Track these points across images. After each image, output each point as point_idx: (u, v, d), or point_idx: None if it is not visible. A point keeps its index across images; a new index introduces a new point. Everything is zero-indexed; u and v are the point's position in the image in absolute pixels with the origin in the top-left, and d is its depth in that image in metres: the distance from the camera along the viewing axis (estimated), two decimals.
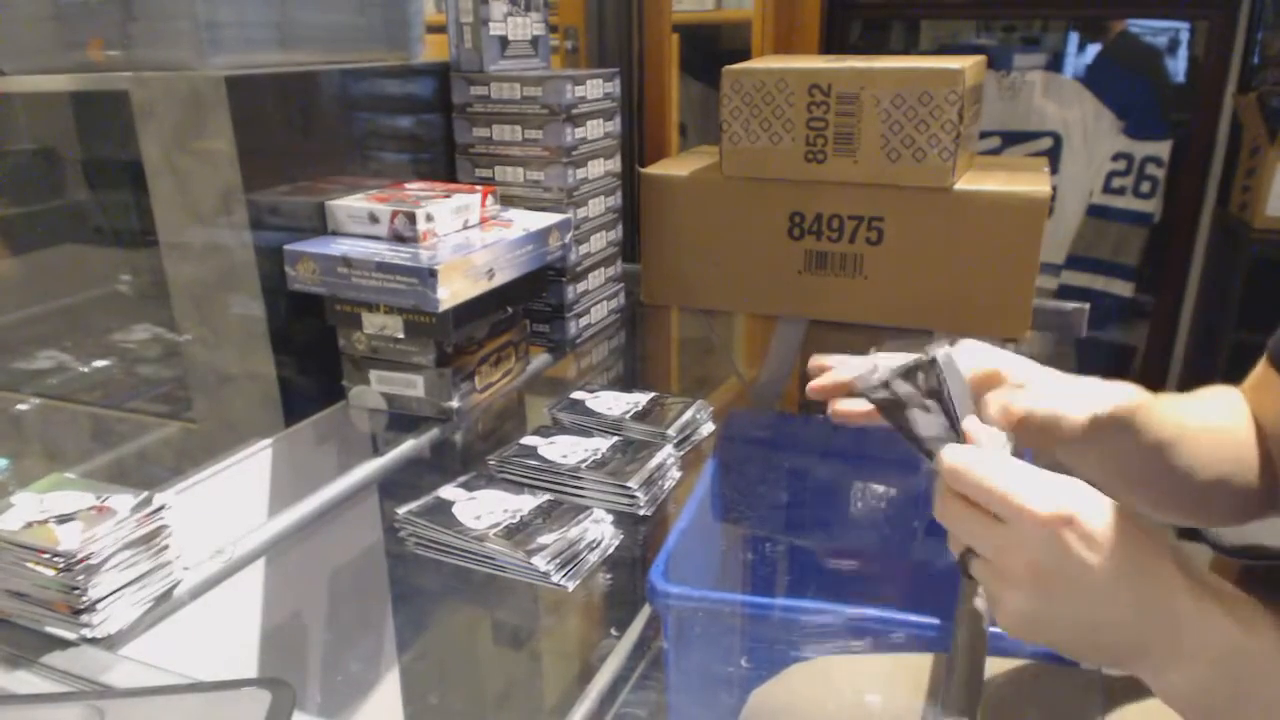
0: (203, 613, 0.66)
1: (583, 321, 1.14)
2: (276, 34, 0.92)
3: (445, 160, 1.11)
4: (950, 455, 0.50)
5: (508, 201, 1.08)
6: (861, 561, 1.16)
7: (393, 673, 1.09)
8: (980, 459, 0.49)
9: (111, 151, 0.98)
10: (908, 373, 0.56)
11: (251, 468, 0.86)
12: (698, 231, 1.20)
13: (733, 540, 1.15)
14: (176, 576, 0.64)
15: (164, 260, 0.91)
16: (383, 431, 0.94)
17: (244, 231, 0.86)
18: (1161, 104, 2.21)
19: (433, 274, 0.82)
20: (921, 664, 0.73)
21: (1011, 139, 2.26)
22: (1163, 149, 2.14)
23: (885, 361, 0.58)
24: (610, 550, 0.78)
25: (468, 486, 0.85)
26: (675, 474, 0.89)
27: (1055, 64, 2.25)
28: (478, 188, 1.00)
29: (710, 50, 2.48)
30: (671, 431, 0.94)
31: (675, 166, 1.23)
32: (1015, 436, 0.57)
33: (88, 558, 0.57)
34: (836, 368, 0.64)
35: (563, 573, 0.73)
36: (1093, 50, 2.25)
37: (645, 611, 0.99)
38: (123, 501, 0.61)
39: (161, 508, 0.62)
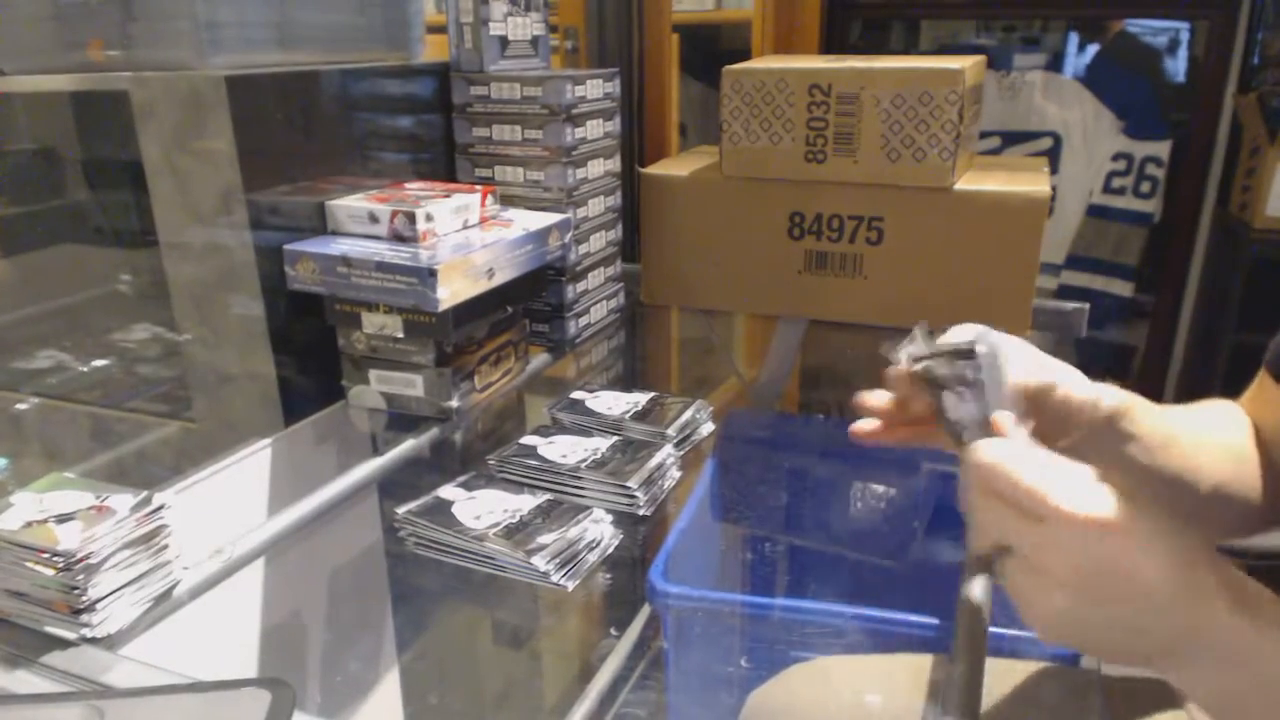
0: (202, 612, 0.66)
1: (582, 321, 1.14)
2: (276, 34, 0.92)
3: (445, 160, 1.11)
4: (986, 450, 0.49)
5: (508, 201, 1.08)
6: (861, 561, 1.16)
7: (393, 673, 1.09)
8: (1018, 455, 0.48)
9: (111, 151, 0.98)
10: (951, 356, 0.56)
11: (251, 467, 0.86)
12: (698, 231, 1.20)
13: (732, 540, 1.15)
14: (176, 576, 0.64)
15: (164, 260, 0.91)
16: (382, 431, 0.94)
17: (244, 231, 0.86)
18: (1161, 104, 2.21)
19: (432, 274, 0.82)
20: (921, 664, 0.73)
21: (1011, 139, 2.26)
22: (1163, 149, 2.13)
23: (938, 340, 0.59)
24: (610, 550, 0.78)
25: (467, 486, 0.85)
26: (675, 474, 0.89)
27: (1055, 64, 2.25)
28: (478, 188, 1.00)
29: (710, 50, 2.48)
30: (671, 431, 0.94)
31: (675, 166, 1.23)
32: None
33: (87, 557, 0.57)
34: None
35: (562, 572, 0.73)
36: (1092, 50, 2.25)
37: (645, 611, 0.99)
38: (122, 501, 0.61)
39: (161, 507, 0.62)
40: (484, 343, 0.96)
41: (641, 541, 0.84)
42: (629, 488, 0.83)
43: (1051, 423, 0.59)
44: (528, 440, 0.92)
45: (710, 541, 1.10)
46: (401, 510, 0.81)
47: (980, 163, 1.21)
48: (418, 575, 0.97)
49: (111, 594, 0.59)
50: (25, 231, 1.09)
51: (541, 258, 0.99)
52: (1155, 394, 0.62)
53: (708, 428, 1.00)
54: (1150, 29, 2.24)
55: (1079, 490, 0.45)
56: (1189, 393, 0.71)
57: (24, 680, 0.55)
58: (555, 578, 0.73)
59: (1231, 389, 0.71)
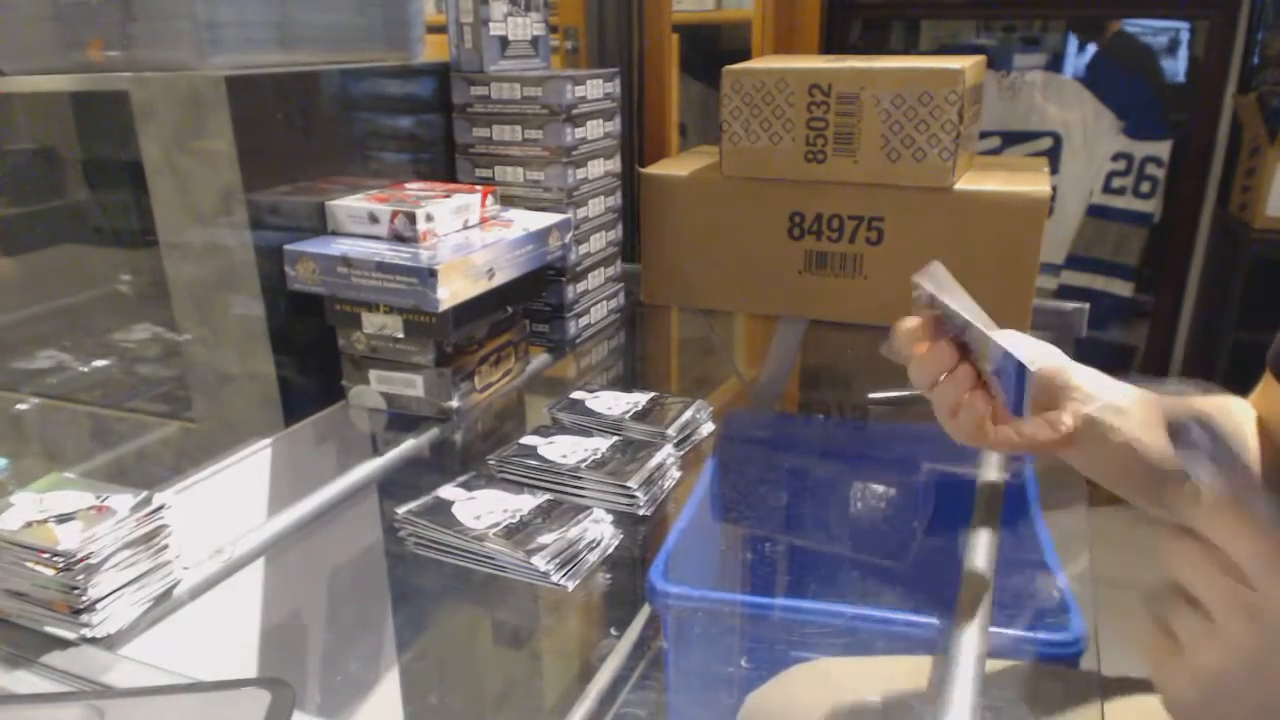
0: (202, 612, 0.66)
1: (582, 321, 1.14)
2: (276, 34, 0.92)
3: (445, 160, 1.11)
4: (1217, 504, 0.46)
5: (508, 201, 1.08)
6: (861, 561, 1.16)
7: (392, 673, 1.09)
8: (1251, 517, 0.45)
9: (111, 151, 0.98)
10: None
11: (251, 467, 0.86)
12: (698, 231, 1.20)
13: (732, 540, 1.15)
14: (176, 576, 0.64)
15: (164, 260, 0.91)
16: (382, 431, 0.94)
17: (244, 231, 0.86)
18: (1161, 104, 2.21)
19: (433, 274, 0.82)
20: (921, 664, 0.73)
21: (1011, 139, 2.26)
22: (1163, 149, 2.14)
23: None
24: (610, 550, 0.78)
25: (467, 486, 0.85)
26: (675, 474, 0.89)
27: (1055, 64, 2.25)
28: (478, 188, 1.00)
29: (710, 50, 2.48)
30: (671, 431, 0.94)
31: (675, 166, 1.23)
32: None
33: (87, 557, 0.57)
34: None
35: (562, 572, 0.73)
36: (1092, 50, 2.25)
37: (645, 611, 0.99)
38: (122, 501, 0.61)
39: (161, 507, 0.62)
40: (484, 343, 0.96)
41: (641, 541, 0.83)
42: (629, 488, 0.83)
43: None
44: (528, 440, 0.92)
45: (710, 541, 1.10)
46: (401, 510, 0.81)
47: (980, 163, 1.21)
48: (418, 575, 0.97)
49: (111, 594, 0.59)
50: (25, 231, 1.09)
51: (542, 258, 0.99)
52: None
53: (708, 428, 1.00)
54: (1150, 29, 2.24)
55: None
56: None
57: (24, 680, 0.55)
58: (555, 578, 0.73)
59: (1231, 389, 0.71)
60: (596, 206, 1.13)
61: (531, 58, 1.11)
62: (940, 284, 0.66)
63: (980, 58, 1.14)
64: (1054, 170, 2.19)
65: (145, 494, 0.63)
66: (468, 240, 0.92)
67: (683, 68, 1.95)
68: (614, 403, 1.01)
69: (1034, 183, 1.08)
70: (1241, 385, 0.71)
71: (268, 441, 0.87)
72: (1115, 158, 2.16)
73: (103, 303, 1.08)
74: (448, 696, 1.16)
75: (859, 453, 1.25)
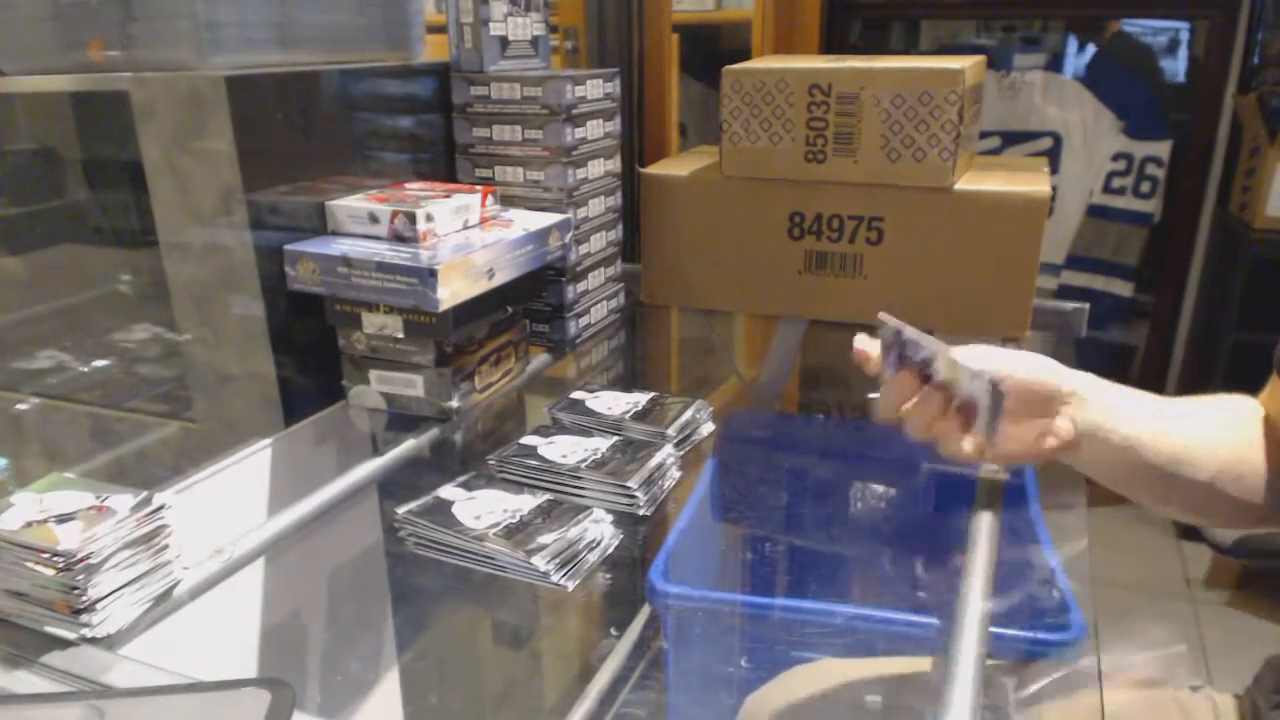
0: (202, 612, 0.66)
1: (583, 321, 1.14)
2: (276, 34, 0.92)
3: (445, 160, 1.11)
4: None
5: (508, 201, 1.08)
6: (861, 561, 1.16)
7: (392, 673, 1.09)
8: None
9: (111, 151, 0.98)
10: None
11: (251, 467, 0.86)
12: (698, 231, 1.20)
13: (732, 540, 1.15)
14: (176, 576, 0.64)
15: (164, 260, 0.91)
16: (382, 431, 0.94)
17: (244, 231, 0.86)
18: (1161, 104, 2.21)
19: (433, 274, 0.82)
20: (921, 664, 0.73)
21: (1011, 139, 2.26)
22: (1163, 149, 2.14)
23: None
24: (610, 550, 0.78)
25: (467, 486, 0.85)
26: (675, 474, 0.89)
27: (1055, 64, 2.25)
28: (478, 188, 1.00)
29: (710, 50, 2.48)
30: (671, 431, 0.94)
31: (675, 166, 1.23)
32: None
33: (87, 557, 0.57)
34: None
35: (562, 572, 0.73)
36: (1092, 50, 2.25)
37: (645, 611, 0.99)
38: (122, 501, 0.61)
39: (161, 507, 0.62)
40: (484, 343, 0.96)
41: (641, 541, 0.83)
42: (629, 488, 0.83)
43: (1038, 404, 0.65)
44: (528, 440, 0.92)
45: (710, 541, 1.10)
46: (401, 510, 0.81)
47: (980, 163, 1.21)
48: (418, 575, 0.97)
49: (111, 594, 0.59)
50: (25, 231, 1.09)
51: (542, 258, 0.99)
52: (1155, 394, 0.63)
53: (708, 428, 1.00)
54: (1150, 29, 2.24)
55: None
56: (1189, 392, 0.71)
57: (24, 680, 0.55)
58: (555, 578, 0.73)
59: (1231, 389, 0.71)
60: (596, 206, 1.13)
61: (531, 58, 1.11)
62: (903, 327, 0.70)
63: (980, 58, 1.14)
64: (1054, 170, 2.19)
65: (145, 494, 0.63)
66: (468, 240, 0.92)
67: (683, 68, 1.95)
68: (614, 403, 1.01)
69: (1034, 183, 1.08)
70: (1241, 385, 0.71)
71: (268, 441, 0.87)
72: (1115, 158, 2.16)
73: (103, 303, 1.08)
74: (448, 696, 1.16)
75: (859, 453, 1.25)
